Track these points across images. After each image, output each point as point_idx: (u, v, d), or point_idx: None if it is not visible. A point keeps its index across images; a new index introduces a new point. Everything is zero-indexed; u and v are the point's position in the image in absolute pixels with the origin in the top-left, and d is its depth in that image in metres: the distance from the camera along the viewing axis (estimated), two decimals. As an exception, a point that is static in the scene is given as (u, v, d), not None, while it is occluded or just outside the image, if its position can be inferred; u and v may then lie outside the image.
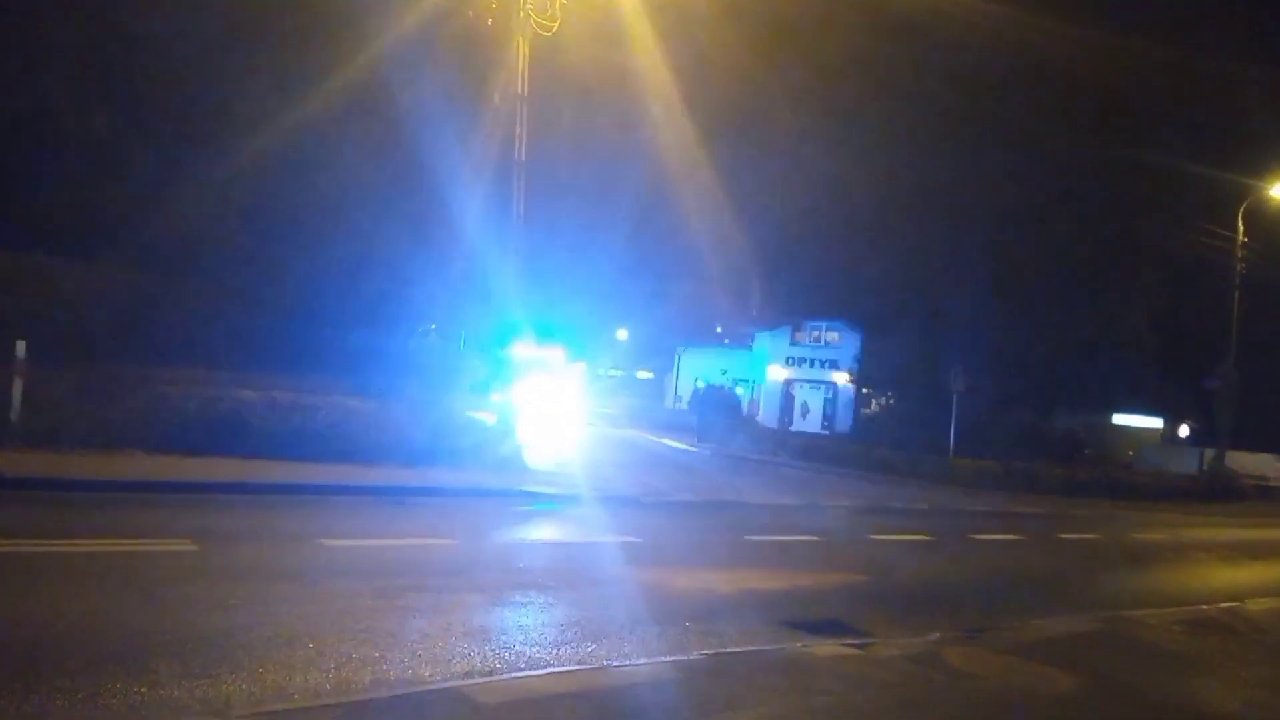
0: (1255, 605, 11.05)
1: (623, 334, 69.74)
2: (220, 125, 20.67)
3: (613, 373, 66.09)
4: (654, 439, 34.51)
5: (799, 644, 7.30)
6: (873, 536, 14.84)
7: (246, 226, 21.99)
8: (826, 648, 7.15)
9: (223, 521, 10.37)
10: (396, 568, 8.74)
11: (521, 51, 18.60)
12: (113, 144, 19.95)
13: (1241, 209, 35.68)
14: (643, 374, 69.78)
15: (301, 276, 22.58)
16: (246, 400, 15.00)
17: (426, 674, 5.79)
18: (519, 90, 18.73)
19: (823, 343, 51.86)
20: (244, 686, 5.26)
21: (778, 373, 52.67)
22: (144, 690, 5.06)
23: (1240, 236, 35.90)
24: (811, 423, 49.54)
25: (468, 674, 5.87)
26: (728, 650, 6.96)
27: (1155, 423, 49.73)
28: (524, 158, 19.06)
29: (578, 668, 6.19)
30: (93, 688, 5.00)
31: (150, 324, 19.81)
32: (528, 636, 6.86)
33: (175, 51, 20.37)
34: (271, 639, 6.09)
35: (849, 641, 7.39)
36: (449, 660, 6.10)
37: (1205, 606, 10.60)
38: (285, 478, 13.12)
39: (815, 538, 13.94)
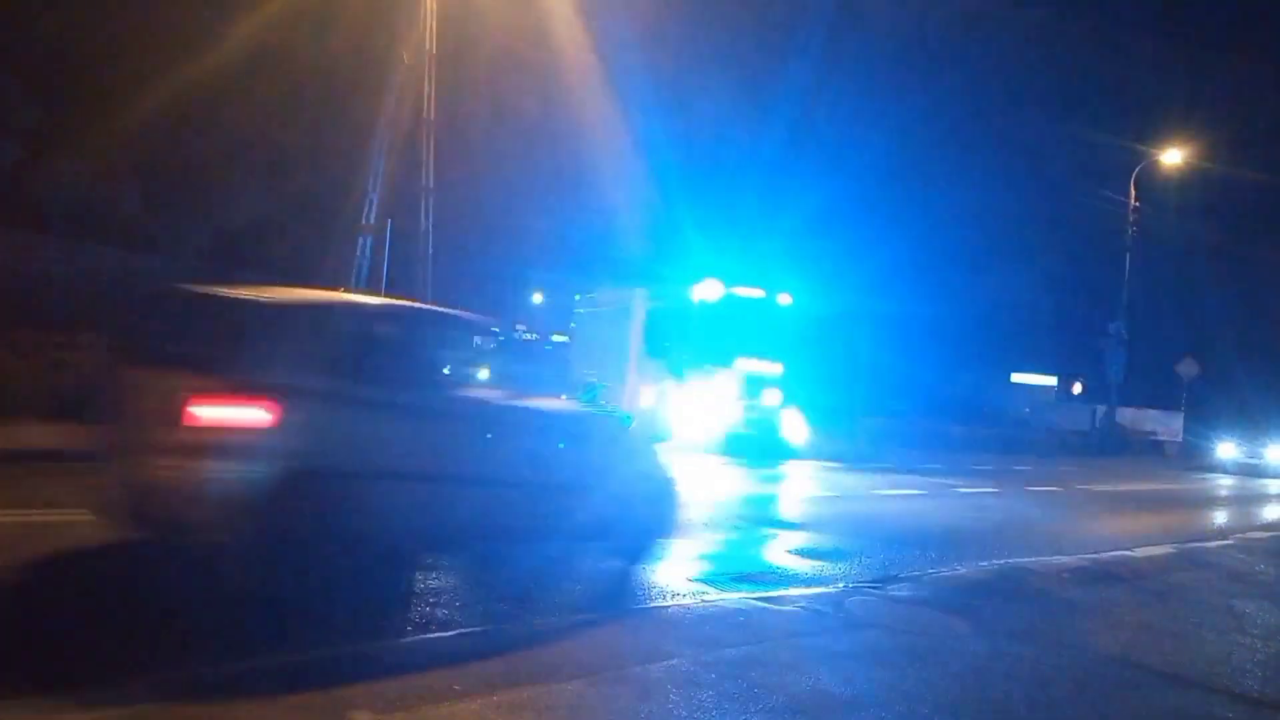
0: (1141, 553, 11.63)
1: (538, 297, 69.20)
2: (112, 80, 19.75)
3: (527, 335, 65.62)
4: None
5: (708, 597, 7.50)
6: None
7: (144, 186, 21.18)
8: (734, 600, 7.36)
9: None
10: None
11: (429, 7, 18.33)
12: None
13: (1134, 174, 37.12)
14: (558, 337, 69.27)
15: (203, 238, 21.88)
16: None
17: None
18: (428, 47, 18.47)
19: (737, 304, 52.24)
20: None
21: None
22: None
23: (1133, 200, 37.36)
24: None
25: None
26: (638, 607, 7.12)
27: (1050, 381, 51.71)
28: (434, 115, 18.80)
29: (484, 627, 6.23)
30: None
31: (44, 287, 18.99)
32: (439, 599, 6.88)
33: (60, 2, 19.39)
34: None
35: (756, 594, 7.60)
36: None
37: (1094, 555, 11.11)
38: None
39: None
